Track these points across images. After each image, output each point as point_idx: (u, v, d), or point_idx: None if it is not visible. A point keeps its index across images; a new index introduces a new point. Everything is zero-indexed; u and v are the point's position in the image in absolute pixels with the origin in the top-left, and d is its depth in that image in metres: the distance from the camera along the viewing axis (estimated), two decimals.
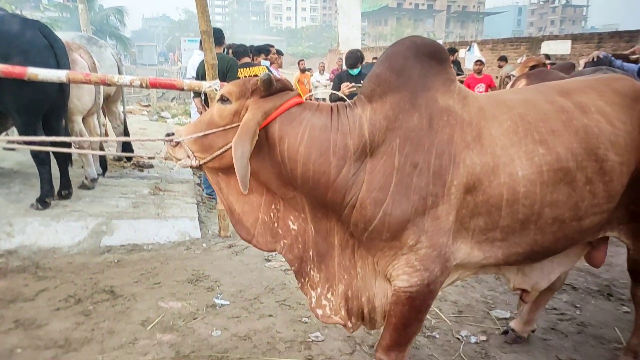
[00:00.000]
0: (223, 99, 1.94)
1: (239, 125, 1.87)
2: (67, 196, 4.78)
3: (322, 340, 2.84)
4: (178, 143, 2.05)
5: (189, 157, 2.02)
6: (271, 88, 1.90)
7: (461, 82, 10.34)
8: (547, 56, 7.66)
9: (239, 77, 4.95)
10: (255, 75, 4.98)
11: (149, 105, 15.85)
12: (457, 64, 10.42)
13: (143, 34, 76.54)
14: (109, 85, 4.39)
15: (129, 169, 6.45)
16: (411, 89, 1.86)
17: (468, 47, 14.29)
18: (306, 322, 3.03)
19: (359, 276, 2.04)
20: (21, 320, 2.95)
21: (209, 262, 3.96)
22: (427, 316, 3.09)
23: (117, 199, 4.96)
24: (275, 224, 2.06)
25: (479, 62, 9.11)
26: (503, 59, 10.78)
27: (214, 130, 1.96)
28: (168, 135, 2.11)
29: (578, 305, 3.36)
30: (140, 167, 6.55)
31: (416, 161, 1.81)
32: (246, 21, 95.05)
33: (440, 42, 16.95)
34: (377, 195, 1.82)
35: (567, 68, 6.10)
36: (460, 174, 1.83)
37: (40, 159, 4.39)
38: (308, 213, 2.01)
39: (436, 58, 1.93)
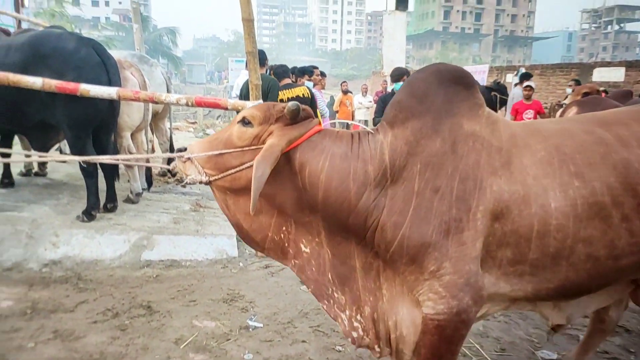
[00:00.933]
0: (245, 122, 1.96)
1: (257, 148, 1.90)
2: (112, 209, 4.90)
3: None
4: (189, 159, 2.06)
5: (199, 173, 2.04)
6: (297, 118, 1.93)
7: (501, 107, 10.06)
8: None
9: (280, 98, 4.99)
10: (297, 96, 5.06)
11: (195, 123, 16.30)
12: (502, 88, 10.18)
13: (194, 54, 79.27)
14: (156, 102, 4.51)
15: (172, 185, 6.58)
16: (434, 115, 1.86)
17: (516, 72, 13.99)
18: (340, 351, 2.95)
19: (385, 298, 1.99)
20: (60, 331, 3.00)
21: (245, 282, 3.94)
22: (467, 352, 2.95)
23: (159, 214, 5.04)
24: (286, 244, 2.07)
25: (528, 88, 8.85)
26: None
27: (231, 150, 1.97)
28: (180, 150, 2.13)
29: (632, 350, 3.13)
30: (184, 183, 6.67)
31: (437, 186, 1.79)
32: (292, 43, 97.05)
33: (487, 66, 16.71)
34: (396, 219, 1.81)
35: (623, 96, 5.85)
36: (486, 199, 1.79)
37: (88, 172, 4.53)
38: (324, 237, 2.01)
39: (462, 83, 1.93)
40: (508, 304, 2.02)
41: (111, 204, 4.89)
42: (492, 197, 1.79)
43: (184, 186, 6.52)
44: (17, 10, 8.45)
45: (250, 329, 3.17)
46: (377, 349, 2.03)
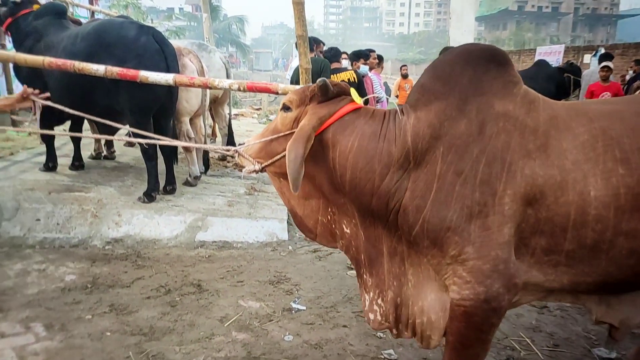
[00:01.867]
0: (285, 107, 2.02)
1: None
2: (171, 191, 5.10)
3: (396, 359, 2.70)
4: (238, 152, 2.19)
5: (252, 163, 2.12)
6: (328, 93, 1.94)
7: (575, 89, 9.34)
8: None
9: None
10: (343, 81, 5.00)
11: (260, 109, 16.60)
12: (576, 70, 9.50)
13: (262, 41, 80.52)
14: (210, 88, 4.61)
15: (230, 169, 6.75)
16: (459, 95, 1.78)
17: (594, 52, 13.04)
18: (381, 338, 2.91)
19: (411, 284, 1.96)
20: (115, 305, 3.18)
21: (292, 265, 3.98)
22: (517, 347, 2.83)
23: (214, 197, 5.19)
24: (333, 226, 2.13)
25: (605, 69, 8.19)
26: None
27: (271, 137, 2.04)
28: (240, 145, 2.24)
29: None
30: (241, 167, 6.83)
31: (461, 169, 1.72)
32: (359, 27, 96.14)
33: (562, 46, 15.68)
34: (418, 202, 1.78)
35: None
36: (516, 183, 1.69)
37: (149, 155, 4.73)
38: (358, 219, 2.02)
39: (494, 61, 1.84)
40: (543, 294, 1.90)
41: (170, 187, 5.09)
42: (523, 180, 1.69)
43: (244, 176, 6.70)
44: (91, 2, 8.95)
45: (293, 312, 3.20)
46: (395, 332, 2.04)
